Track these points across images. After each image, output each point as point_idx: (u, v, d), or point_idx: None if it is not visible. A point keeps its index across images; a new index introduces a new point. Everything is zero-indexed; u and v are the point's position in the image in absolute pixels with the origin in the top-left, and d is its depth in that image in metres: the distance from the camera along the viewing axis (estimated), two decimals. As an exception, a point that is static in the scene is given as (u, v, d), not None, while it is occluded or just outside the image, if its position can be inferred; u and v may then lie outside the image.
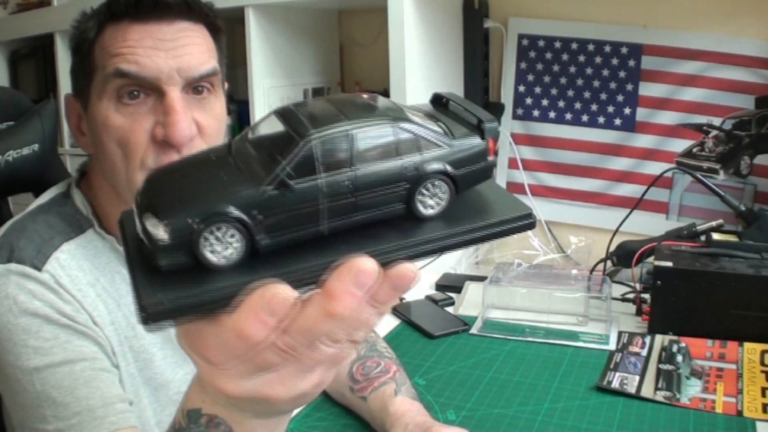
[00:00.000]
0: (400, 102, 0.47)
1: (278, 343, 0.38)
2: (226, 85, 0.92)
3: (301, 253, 0.40)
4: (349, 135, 0.41)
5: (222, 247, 0.39)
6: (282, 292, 0.37)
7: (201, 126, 0.83)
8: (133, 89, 0.79)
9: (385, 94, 1.75)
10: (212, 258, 0.38)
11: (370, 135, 0.41)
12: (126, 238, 0.44)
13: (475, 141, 0.45)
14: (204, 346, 0.41)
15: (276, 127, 0.43)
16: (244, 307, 0.37)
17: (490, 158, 0.46)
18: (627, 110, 1.67)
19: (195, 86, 0.83)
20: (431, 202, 0.44)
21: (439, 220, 0.44)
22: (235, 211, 0.38)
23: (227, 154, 0.43)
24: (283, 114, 0.43)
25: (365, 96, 0.46)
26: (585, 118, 1.72)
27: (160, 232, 0.38)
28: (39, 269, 0.79)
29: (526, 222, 0.45)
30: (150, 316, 0.37)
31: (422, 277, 1.58)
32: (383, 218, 0.43)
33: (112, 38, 0.80)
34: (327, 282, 0.37)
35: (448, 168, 0.44)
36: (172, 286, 0.38)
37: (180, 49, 0.80)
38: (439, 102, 0.51)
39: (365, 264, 0.37)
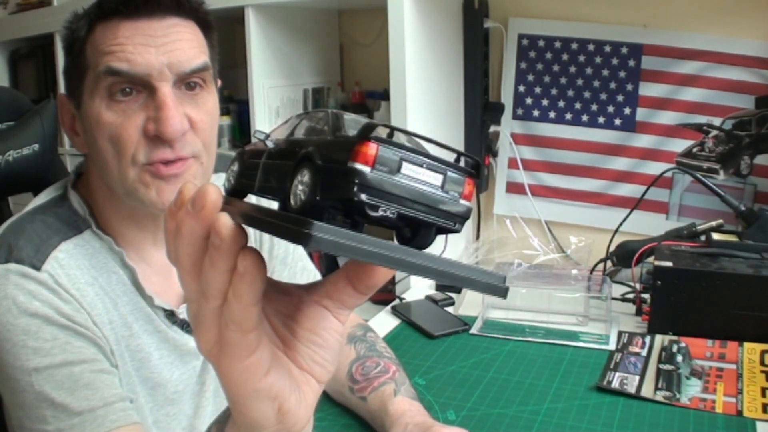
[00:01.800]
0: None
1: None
2: (219, 83, 0.92)
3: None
4: (305, 115, 0.46)
5: (232, 179, 0.50)
6: (186, 190, 0.41)
7: (193, 121, 0.83)
8: (124, 86, 0.79)
9: (385, 94, 1.75)
10: (226, 183, 0.51)
11: (312, 117, 0.45)
12: None
13: (348, 136, 0.39)
14: None
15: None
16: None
17: (357, 165, 0.36)
18: (627, 110, 1.67)
19: (187, 82, 0.83)
20: (300, 193, 0.39)
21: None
22: (242, 153, 0.50)
23: None
24: None
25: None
26: (585, 118, 1.72)
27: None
28: (38, 269, 0.79)
29: (294, 228, 0.34)
30: None
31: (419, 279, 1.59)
32: (278, 195, 0.42)
33: (102, 36, 0.80)
34: None
35: (314, 155, 0.38)
36: None
37: (170, 45, 0.80)
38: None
39: (206, 188, 0.39)
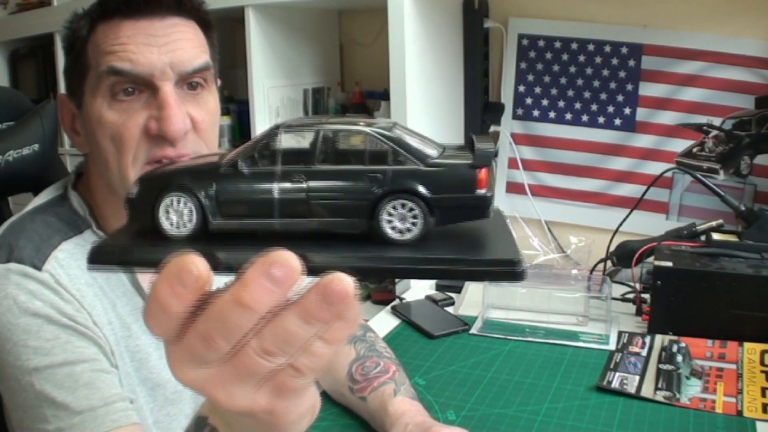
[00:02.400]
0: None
1: (198, 326, 0.37)
2: (219, 82, 0.92)
3: (245, 244, 0.39)
4: (318, 132, 0.40)
5: (177, 218, 0.41)
6: (193, 263, 0.35)
7: (195, 121, 0.83)
8: (127, 86, 0.80)
9: (385, 94, 1.75)
10: (165, 224, 0.41)
11: (340, 136, 0.40)
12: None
13: (461, 165, 0.40)
14: None
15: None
16: (161, 272, 0.36)
17: (481, 191, 0.40)
18: (627, 110, 1.67)
19: (188, 81, 0.83)
20: (400, 226, 0.39)
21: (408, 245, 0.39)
22: (190, 184, 0.41)
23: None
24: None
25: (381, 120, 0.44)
26: (585, 118, 1.72)
27: (132, 189, 0.43)
28: (39, 269, 0.79)
29: (507, 269, 0.38)
30: (93, 254, 0.40)
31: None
32: (342, 230, 0.40)
33: (104, 36, 0.80)
34: (244, 270, 0.36)
35: (420, 188, 0.39)
36: (126, 239, 0.41)
37: (172, 44, 0.80)
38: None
39: (283, 256, 0.34)
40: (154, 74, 0.79)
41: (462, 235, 0.41)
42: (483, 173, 0.40)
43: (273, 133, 0.41)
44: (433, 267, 0.38)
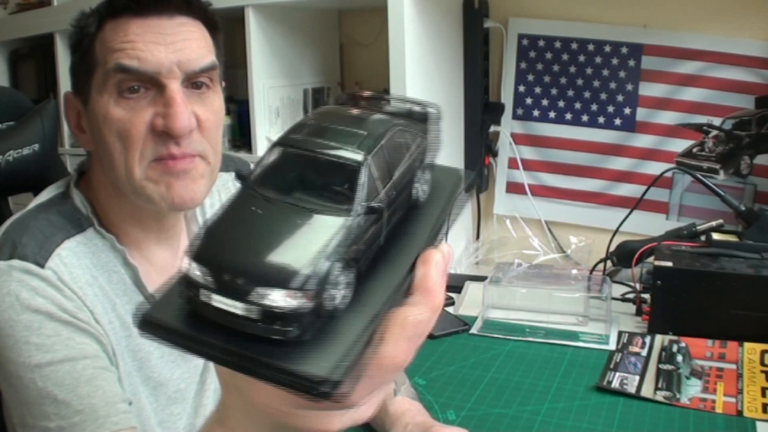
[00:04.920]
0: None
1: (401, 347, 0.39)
2: (223, 84, 0.92)
3: (376, 272, 0.40)
4: (382, 147, 0.41)
5: (338, 292, 0.36)
6: (417, 314, 0.39)
7: (200, 120, 0.83)
8: (133, 84, 0.80)
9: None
10: (338, 305, 0.36)
11: (394, 141, 0.43)
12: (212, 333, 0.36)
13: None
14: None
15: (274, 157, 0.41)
16: (392, 340, 0.38)
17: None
18: (627, 110, 1.67)
19: (194, 81, 0.83)
20: (423, 188, 0.46)
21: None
22: (349, 253, 0.37)
23: (270, 203, 0.39)
24: (296, 144, 0.40)
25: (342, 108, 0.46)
26: (585, 118, 1.72)
27: (287, 302, 0.34)
28: (41, 266, 0.79)
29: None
30: (335, 384, 0.34)
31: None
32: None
33: (112, 33, 0.81)
34: (422, 282, 0.40)
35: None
36: (324, 350, 0.35)
37: (180, 43, 0.81)
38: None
39: (445, 250, 0.41)
40: (161, 72, 0.80)
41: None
42: None
43: (366, 167, 0.40)
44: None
